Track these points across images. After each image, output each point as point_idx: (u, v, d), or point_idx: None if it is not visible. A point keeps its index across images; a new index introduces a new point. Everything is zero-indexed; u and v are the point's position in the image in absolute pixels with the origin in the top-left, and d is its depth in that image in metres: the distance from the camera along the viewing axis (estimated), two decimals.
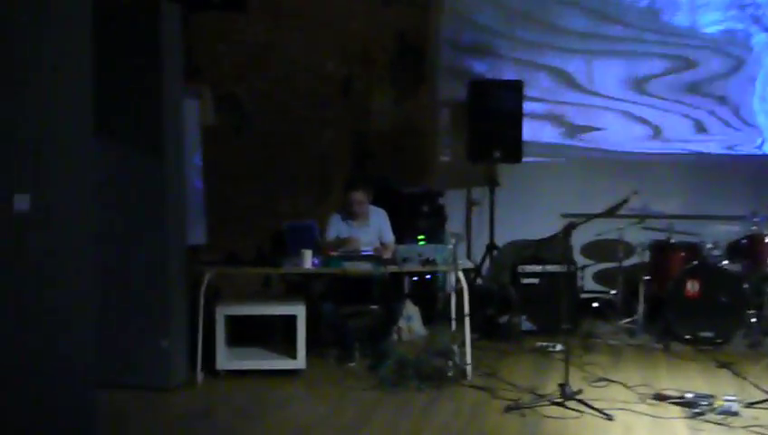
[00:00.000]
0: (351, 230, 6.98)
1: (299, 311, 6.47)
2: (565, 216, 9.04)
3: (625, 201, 5.89)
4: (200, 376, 6.38)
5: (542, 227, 8.85)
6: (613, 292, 8.35)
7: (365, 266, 6.46)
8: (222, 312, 6.44)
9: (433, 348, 6.79)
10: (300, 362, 6.52)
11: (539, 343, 7.44)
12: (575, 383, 6.01)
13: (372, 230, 7.02)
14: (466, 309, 6.43)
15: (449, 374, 6.46)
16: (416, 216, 8.29)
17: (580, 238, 8.43)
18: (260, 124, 8.12)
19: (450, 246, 6.38)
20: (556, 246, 8.05)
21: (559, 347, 7.33)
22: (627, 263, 8.29)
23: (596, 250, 8.82)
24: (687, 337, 7.47)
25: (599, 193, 8.85)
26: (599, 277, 8.89)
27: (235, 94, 8.20)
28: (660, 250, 8.05)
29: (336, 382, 6.43)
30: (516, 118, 8.57)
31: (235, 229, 7.69)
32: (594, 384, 6.33)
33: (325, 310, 6.77)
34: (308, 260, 6.34)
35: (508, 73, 8.95)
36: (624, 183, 8.89)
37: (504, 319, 7.85)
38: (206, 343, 6.37)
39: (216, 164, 7.49)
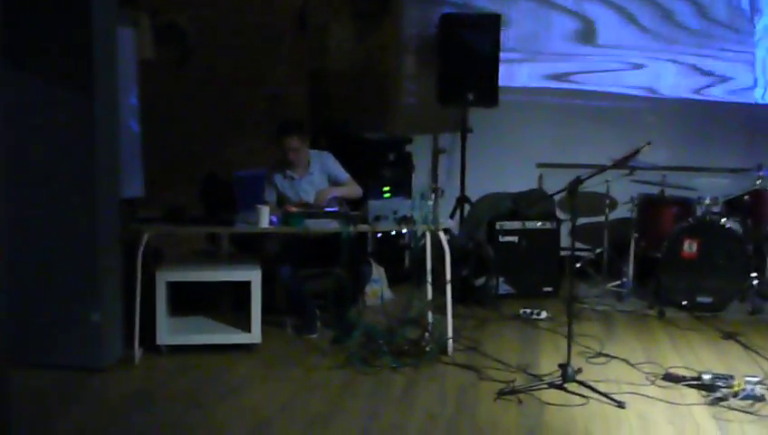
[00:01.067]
0: (294, 185, 6.07)
1: (253, 276, 5.56)
2: (542, 165, 8.36)
3: (637, 152, 5.05)
4: (138, 353, 5.46)
5: (517, 178, 8.14)
6: (597, 250, 7.56)
7: (331, 225, 5.55)
8: (163, 278, 5.49)
9: (405, 317, 5.95)
10: (255, 335, 5.63)
11: (522, 310, 6.65)
12: (572, 360, 5.22)
13: (317, 179, 6.14)
14: (448, 275, 5.58)
15: (427, 349, 5.62)
16: (380, 165, 7.39)
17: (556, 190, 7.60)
18: (205, 59, 7.03)
19: (430, 202, 5.50)
20: (537, 200, 7.26)
21: (544, 314, 6.59)
22: (611, 218, 7.51)
23: (582, 205, 7.99)
24: (684, 303, 6.74)
25: (577, 141, 8.14)
26: (579, 234, 8.05)
27: (177, 24, 7.11)
28: (650, 205, 7.27)
29: (298, 360, 5.56)
30: (492, 57, 7.66)
31: (177, 180, 6.70)
32: (593, 361, 5.56)
33: (282, 274, 5.87)
34: (264, 217, 5.42)
35: (484, 5, 8.01)
36: (607, 130, 8.19)
37: (479, 281, 7.03)
38: (144, 315, 5.43)
39: (154, 104, 6.47)
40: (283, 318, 6.16)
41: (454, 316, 5.75)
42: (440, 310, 5.71)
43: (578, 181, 5.01)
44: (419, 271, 5.76)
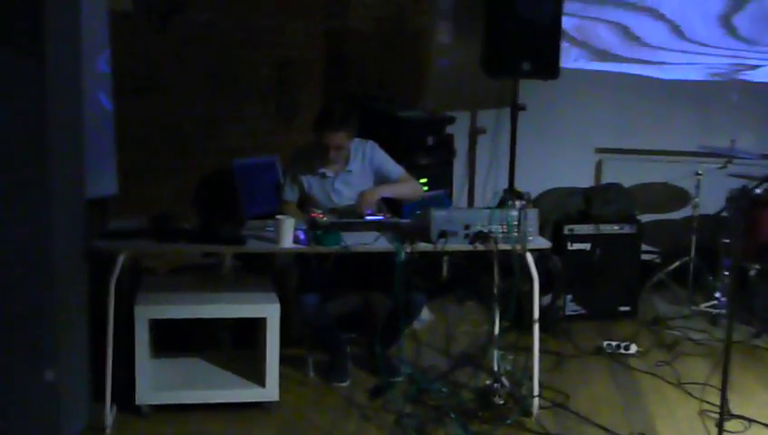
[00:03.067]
0: (325, 185, 4.57)
1: (270, 312, 4.04)
2: (601, 150, 6.89)
3: None
4: (111, 417, 3.96)
5: (571, 165, 6.69)
6: (683, 259, 6.09)
7: (379, 244, 4.03)
8: (144, 314, 3.97)
9: (463, 356, 4.50)
10: (270, 391, 4.13)
11: (606, 343, 5.18)
12: (692, 423, 3.76)
13: (357, 177, 4.64)
14: (536, 311, 4.10)
15: (500, 404, 4.16)
16: (415, 151, 5.85)
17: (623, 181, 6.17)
18: (196, 13, 5.39)
19: (513, 212, 4.00)
20: (614, 197, 5.79)
21: (633, 348, 5.13)
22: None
23: (649, 201, 6.57)
24: None
25: (645, 123, 6.73)
26: (651, 237, 6.61)
27: None
28: (750, 205, 5.78)
29: (328, 424, 4.06)
30: (553, 18, 6.12)
31: (161, 172, 5.15)
32: (729, 430, 4.07)
33: (305, 303, 4.35)
34: (287, 233, 3.89)
35: None
36: (681, 111, 6.73)
37: (544, 301, 5.55)
38: (119, 362, 3.93)
39: (132, 72, 4.90)
40: (302, 354, 4.66)
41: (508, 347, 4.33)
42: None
43: (746, 191, 3.49)
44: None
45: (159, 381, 4.10)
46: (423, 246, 3.97)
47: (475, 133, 6.86)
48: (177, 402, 4.07)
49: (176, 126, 5.17)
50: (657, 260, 6.46)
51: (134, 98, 4.88)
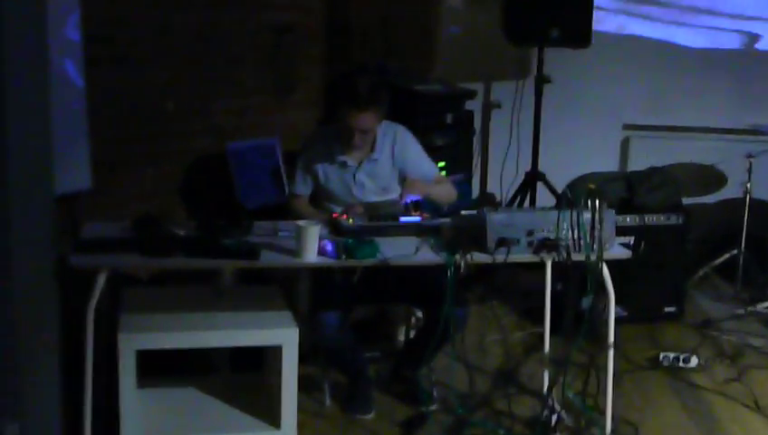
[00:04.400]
0: (344, 176, 3.80)
1: (286, 337, 3.26)
2: (629, 127, 6.19)
3: None
4: None
5: (596, 143, 6.01)
6: (731, 252, 5.41)
7: (427, 257, 3.26)
8: (130, 345, 3.17)
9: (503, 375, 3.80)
10: (287, 431, 3.33)
11: (663, 355, 4.47)
12: None
13: (384, 168, 3.86)
14: (611, 335, 3.37)
15: None
16: (432, 129, 5.08)
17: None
18: None
19: (587, 215, 3.25)
20: (660, 184, 5.06)
21: (695, 361, 4.43)
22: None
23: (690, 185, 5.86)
24: None
25: (677, 97, 6.00)
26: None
27: None
28: None
29: None
30: None
31: (141, 159, 4.33)
32: None
33: (325, 323, 3.56)
34: (312, 244, 3.10)
35: None
36: (718, 83, 6.03)
37: (585, 303, 4.81)
38: (98, 399, 3.13)
39: (106, 39, 4.07)
40: (316, 376, 3.90)
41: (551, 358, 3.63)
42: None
43: None
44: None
45: (149, 421, 3.32)
46: (479, 256, 3.20)
47: (489, 108, 6.10)
48: None
49: (158, 103, 4.33)
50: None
51: (108, 70, 4.04)
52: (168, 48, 4.34)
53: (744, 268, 5.34)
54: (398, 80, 5.08)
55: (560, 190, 5.57)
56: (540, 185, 5.71)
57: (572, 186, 5.07)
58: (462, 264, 3.15)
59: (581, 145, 6.02)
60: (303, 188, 3.86)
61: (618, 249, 3.35)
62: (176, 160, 4.36)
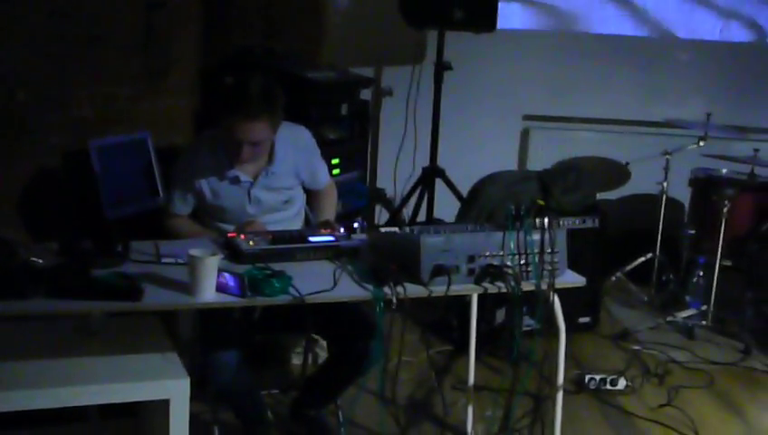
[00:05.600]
0: (237, 191, 3.19)
1: (176, 389, 2.62)
2: (529, 117, 5.78)
3: None
4: None
5: (496, 134, 5.57)
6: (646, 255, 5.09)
7: (351, 292, 2.67)
8: None
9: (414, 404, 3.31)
10: None
11: (588, 376, 4.05)
12: None
13: (284, 180, 3.28)
14: (560, 375, 2.91)
15: None
16: (325, 121, 4.50)
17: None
18: None
19: (535, 236, 2.76)
20: (576, 183, 4.65)
21: (622, 383, 4.04)
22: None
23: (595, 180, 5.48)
24: None
25: (578, 86, 5.63)
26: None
27: None
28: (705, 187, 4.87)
29: None
30: None
31: None
32: None
33: (221, 365, 2.94)
34: (209, 279, 2.46)
35: None
36: (620, 72, 5.68)
37: (499, 317, 4.41)
38: None
39: None
40: (204, 417, 3.27)
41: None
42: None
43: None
44: None
45: None
46: (411, 288, 2.64)
47: (379, 96, 5.55)
48: None
49: (4, 93, 3.58)
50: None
51: None
52: (17, 25, 3.58)
53: (659, 271, 5.02)
54: (285, 65, 4.48)
55: (459, 187, 5.12)
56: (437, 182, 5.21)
57: (480, 188, 4.60)
58: (393, 299, 2.57)
59: (480, 137, 5.59)
60: (183, 206, 3.22)
61: (570, 276, 2.85)
62: (26, 162, 3.61)
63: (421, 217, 5.20)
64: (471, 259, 2.69)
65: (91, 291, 2.38)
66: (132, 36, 4.06)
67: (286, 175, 3.24)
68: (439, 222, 5.24)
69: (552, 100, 5.68)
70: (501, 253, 2.72)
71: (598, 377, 4.04)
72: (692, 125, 4.90)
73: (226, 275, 2.49)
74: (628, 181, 5.12)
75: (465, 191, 4.76)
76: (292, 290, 2.55)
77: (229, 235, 2.87)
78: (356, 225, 3.02)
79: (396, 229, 2.93)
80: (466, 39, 5.05)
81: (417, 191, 5.24)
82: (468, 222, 4.53)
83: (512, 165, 5.71)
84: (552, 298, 2.80)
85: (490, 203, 4.51)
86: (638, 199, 5.56)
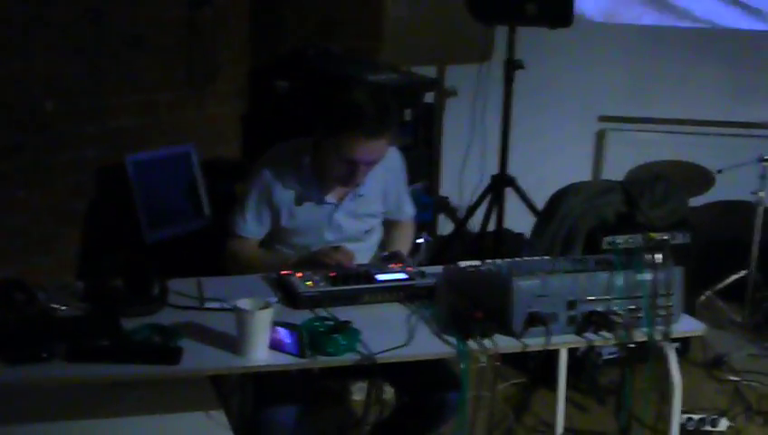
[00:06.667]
0: (320, 214, 2.79)
1: None
2: (605, 119, 5.33)
3: None
4: None
5: (569, 137, 5.18)
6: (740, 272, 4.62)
7: (429, 348, 2.25)
8: None
9: None
10: None
11: (687, 417, 3.58)
12: None
13: (370, 206, 2.92)
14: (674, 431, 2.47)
15: None
16: None
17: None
18: None
19: (647, 275, 2.31)
20: (665, 196, 4.19)
21: (724, 424, 3.56)
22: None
23: None
24: None
25: (661, 85, 5.22)
26: None
27: None
28: None
29: None
30: None
31: (11, 180, 3.23)
32: None
33: (276, 423, 2.53)
34: (262, 338, 2.06)
35: None
36: (708, 69, 5.18)
37: (581, 350, 3.97)
38: None
39: None
40: None
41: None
42: None
43: None
44: None
45: None
46: (503, 341, 2.21)
47: (442, 96, 5.13)
48: None
49: (33, 103, 3.22)
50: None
51: None
52: (46, 30, 3.21)
53: (754, 290, 4.55)
54: (343, 67, 4.08)
55: (531, 197, 4.70)
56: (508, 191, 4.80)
57: (558, 200, 4.15)
58: (482, 356, 2.15)
59: (553, 141, 5.18)
60: (257, 228, 2.83)
61: (688, 323, 2.40)
62: (56, 179, 3.25)
63: (490, 227, 4.78)
64: (571, 305, 2.26)
65: (119, 352, 1.99)
66: (174, 37, 3.68)
67: (374, 200, 2.89)
68: (510, 234, 4.84)
69: (630, 99, 5.27)
70: (607, 297, 2.27)
71: (696, 417, 3.58)
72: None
73: (281, 330, 2.08)
74: (713, 187, 4.67)
75: (536, 200, 4.35)
76: (359, 347, 2.13)
77: (282, 272, 2.46)
78: (421, 240, 2.63)
79: (478, 263, 2.50)
80: (538, 34, 4.61)
81: (486, 201, 4.80)
82: (547, 238, 4.14)
83: (587, 170, 5.28)
84: (665, 350, 2.34)
85: (571, 217, 4.07)
86: (727, 208, 5.09)
